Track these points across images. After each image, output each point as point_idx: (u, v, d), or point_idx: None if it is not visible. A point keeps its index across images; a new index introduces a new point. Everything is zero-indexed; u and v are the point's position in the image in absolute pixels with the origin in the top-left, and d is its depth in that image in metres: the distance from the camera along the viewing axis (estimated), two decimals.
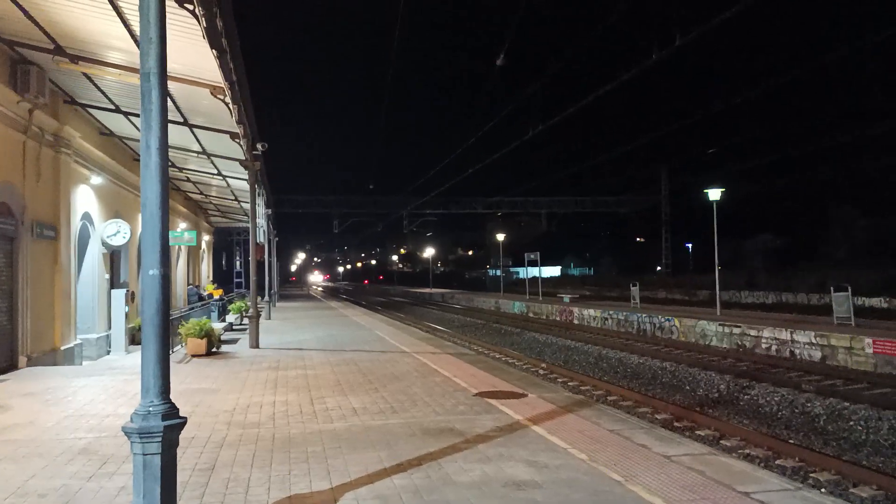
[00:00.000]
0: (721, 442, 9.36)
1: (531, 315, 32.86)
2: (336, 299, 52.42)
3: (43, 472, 5.62)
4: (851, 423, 10.40)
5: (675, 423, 10.41)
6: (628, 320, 24.45)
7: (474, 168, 31.62)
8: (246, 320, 21.60)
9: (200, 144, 16.61)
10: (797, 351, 16.57)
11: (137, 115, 14.26)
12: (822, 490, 7.32)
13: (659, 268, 59.41)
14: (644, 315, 23.61)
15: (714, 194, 22.06)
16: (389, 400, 8.53)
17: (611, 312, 25.80)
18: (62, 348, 13.62)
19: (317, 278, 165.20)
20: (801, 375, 14.08)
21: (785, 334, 17.04)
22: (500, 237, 44.76)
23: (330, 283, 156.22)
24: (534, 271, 55.11)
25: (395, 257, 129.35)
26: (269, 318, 25.11)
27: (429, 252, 75.67)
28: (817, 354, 15.98)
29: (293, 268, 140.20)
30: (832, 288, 18.61)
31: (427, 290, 62.32)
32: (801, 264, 43.86)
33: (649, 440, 6.43)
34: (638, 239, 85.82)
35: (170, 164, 20.02)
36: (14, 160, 12.04)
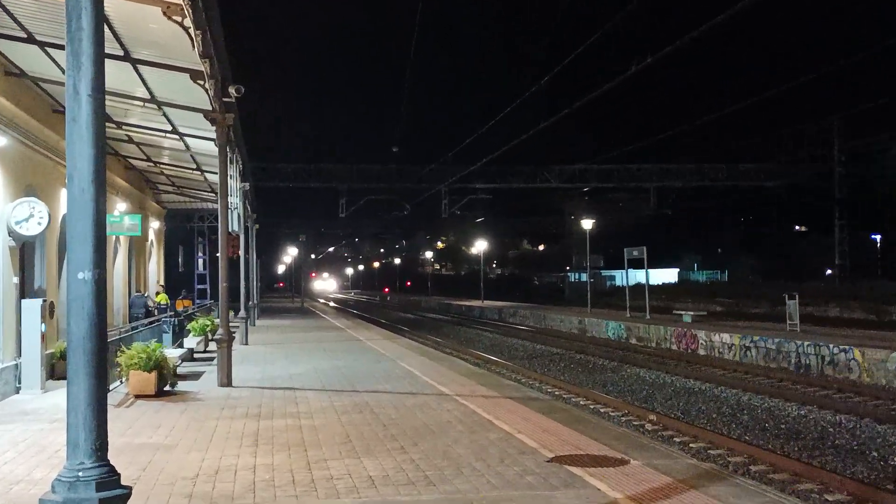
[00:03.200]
0: None
1: (633, 341, 32.61)
2: (344, 315, 52.88)
3: None
4: None
5: None
6: (782, 350, 24.01)
7: (547, 122, 31.42)
8: (213, 345, 21.95)
9: (148, 88, 16.90)
10: None
11: (59, 47, 14.59)
12: None
13: (829, 271, 58.06)
14: (807, 343, 23.15)
15: None
16: (422, 465, 8.58)
17: (755, 339, 25.38)
18: None
19: (327, 285, 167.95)
20: None
21: None
22: (587, 224, 44.38)
23: (335, 291, 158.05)
24: (638, 275, 54.45)
25: (429, 254, 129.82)
26: (246, 343, 25.41)
27: (479, 247, 75.34)
28: None
29: (280, 269, 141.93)
30: None
31: (477, 304, 62.31)
32: None
33: None
34: (797, 227, 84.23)
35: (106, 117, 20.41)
36: None
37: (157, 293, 33.98)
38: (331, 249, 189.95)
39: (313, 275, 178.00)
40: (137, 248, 34.15)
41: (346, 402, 13.12)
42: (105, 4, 3.89)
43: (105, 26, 13.49)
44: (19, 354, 15.87)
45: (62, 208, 18.99)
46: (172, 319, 22.79)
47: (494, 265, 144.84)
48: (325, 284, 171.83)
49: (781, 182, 58.70)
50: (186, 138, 21.59)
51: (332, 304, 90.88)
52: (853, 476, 11.82)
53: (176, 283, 46.60)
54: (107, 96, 4.03)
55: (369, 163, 58.97)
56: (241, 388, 15.08)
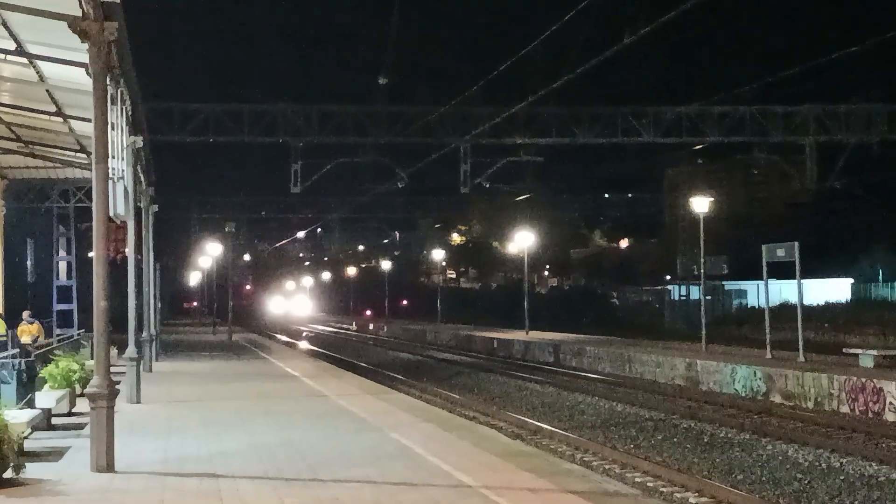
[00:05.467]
0: None
1: (777, 399, 32.50)
2: (298, 355, 52.82)
3: None
4: None
5: None
6: None
7: (638, 34, 31.28)
8: (84, 404, 22.01)
9: None
10: None
11: None
12: None
13: None
14: None
15: None
16: None
17: None
18: None
19: (294, 305, 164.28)
20: None
21: None
22: (701, 206, 44.21)
23: (311, 316, 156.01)
24: (785, 290, 54.13)
25: (438, 254, 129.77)
26: (139, 401, 25.37)
27: (522, 242, 74.88)
28: None
29: (193, 277, 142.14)
30: None
31: (519, 336, 62.07)
32: None
33: None
34: None
35: None
36: None
37: None
38: (296, 234, 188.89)
39: (248, 287, 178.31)
40: None
41: (303, 500, 13.07)
42: None
43: None
44: None
45: None
46: (16, 361, 22.80)
47: (547, 273, 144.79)
48: (292, 304, 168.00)
49: None
50: (40, 63, 21.62)
51: (276, 331, 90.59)
52: None
53: (21, 300, 46.60)
54: None
55: (340, 102, 58.78)
56: (129, 474, 15.02)
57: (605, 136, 56.03)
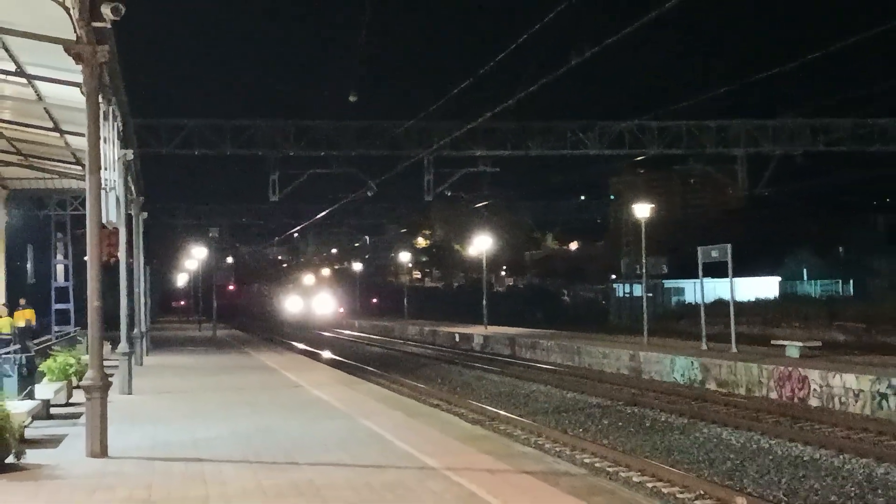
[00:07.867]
0: None
1: (712, 386, 32.61)
2: (275, 349, 52.70)
3: None
4: None
5: None
6: None
7: (584, 56, 31.29)
8: (80, 395, 21.87)
9: None
10: None
11: None
12: None
13: None
14: None
15: None
16: None
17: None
18: None
19: (320, 304, 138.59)
20: None
21: None
22: (643, 211, 44.30)
23: (341, 315, 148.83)
24: (719, 288, 54.27)
25: (405, 256, 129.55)
26: (130, 392, 25.31)
27: (481, 245, 74.86)
28: None
29: (180, 279, 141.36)
30: None
31: (478, 330, 62.10)
32: None
33: None
34: None
35: None
36: None
37: None
38: (256, 248, 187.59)
39: (232, 287, 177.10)
40: None
41: (280, 482, 13.09)
42: None
43: None
44: None
45: None
46: (18, 357, 22.64)
47: (504, 273, 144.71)
48: (317, 302, 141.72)
49: None
50: (38, 83, 21.46)
51: (253, 329, 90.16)
52: None
53: (19, 299, 46.26)
54: None
55: (313, 118, 58.52)
56: (121, 459, 15.04)
57: (555, 148, 56.22)
